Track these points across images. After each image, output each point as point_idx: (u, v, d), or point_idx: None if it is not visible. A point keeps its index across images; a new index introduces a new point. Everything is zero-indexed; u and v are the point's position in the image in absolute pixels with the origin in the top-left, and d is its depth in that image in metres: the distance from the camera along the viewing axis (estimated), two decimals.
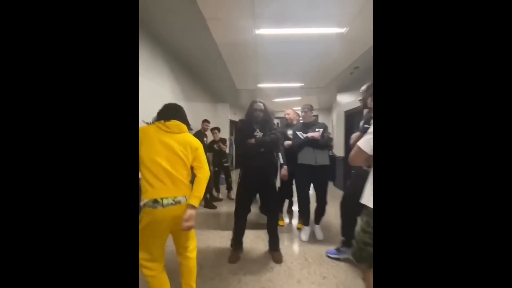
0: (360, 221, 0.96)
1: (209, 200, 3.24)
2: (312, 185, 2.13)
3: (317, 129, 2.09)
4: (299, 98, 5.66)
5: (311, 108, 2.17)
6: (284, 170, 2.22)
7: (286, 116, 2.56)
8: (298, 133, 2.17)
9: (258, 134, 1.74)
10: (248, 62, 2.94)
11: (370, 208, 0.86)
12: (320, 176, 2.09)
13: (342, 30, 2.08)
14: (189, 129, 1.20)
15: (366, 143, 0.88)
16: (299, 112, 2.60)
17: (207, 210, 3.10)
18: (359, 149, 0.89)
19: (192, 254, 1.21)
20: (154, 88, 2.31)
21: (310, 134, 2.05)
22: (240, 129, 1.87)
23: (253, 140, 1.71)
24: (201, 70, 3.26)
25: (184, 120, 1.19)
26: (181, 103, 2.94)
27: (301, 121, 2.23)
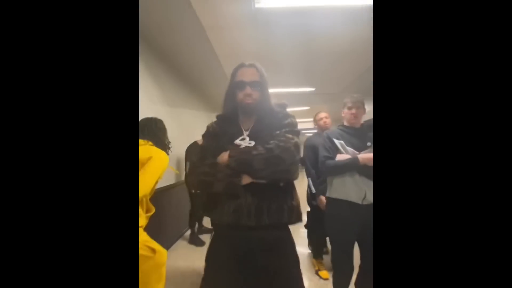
0: None
1: (196, 233, 2.51)
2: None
3: (369, 144, 1.20)
4: (307, 107, 5.05)
5: (361, 104, 1.24)
6: (321, 200, 1.44)
7: (321, 122, 1.76)
8: (337, 142, 1.22)
9: (245, 141, 0.75)
10: (246, 57, 2.33)
11: None
12: (370, 222, 1.13)
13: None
14: (160, 143, 1.11)
15: None
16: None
17: (193, 247, 2.36)
18: None
19: None
20: None
21: (363, 156, 1.12)
22: (209, 135, 0.81)
23: (225, 157, 0.70)
24: (187, 69, 2.67)
25: (143, 133, 1.10)
26: (158, 107, 2.37)
27: (344, 124, 1.29)
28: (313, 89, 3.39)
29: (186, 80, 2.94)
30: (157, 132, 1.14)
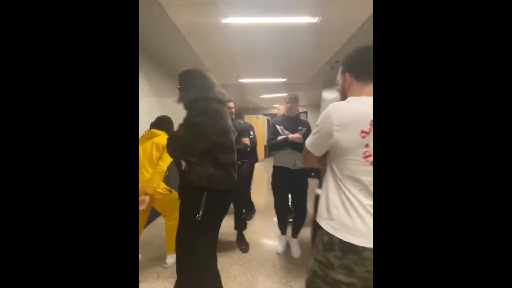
0: (316, 246, 0.73)
1: None
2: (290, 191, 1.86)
3: (300, 128, 1.77)
4: (286, 94, 5.52)
5: (295, 99, 1.84)
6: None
7: (277, 111, 2.40)
8: (278, 127, 1.83)
9: None
10: (222, 55, 2.77)
11: (327, 232, 0.67)
12: (299, 182, 1.80)
13: (315, 19, 1.93)
14: (170, 132, 1.70)
15: (308, 143, 0.74)
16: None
17: None
18: (306, 150, 0.76)
19: (171, 222, 1.69)
20: None
21: (291, 136, 1.74)
22: None
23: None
24: (171, 64, 3.08)
25: (163, 127, 1.71)
26: (149, 98, 2.81)
27: (285, 114, 1.91)
28: (285, 79, 3.88)
29: (171, 74, 3.34)
30: (169, 126, 1.76)
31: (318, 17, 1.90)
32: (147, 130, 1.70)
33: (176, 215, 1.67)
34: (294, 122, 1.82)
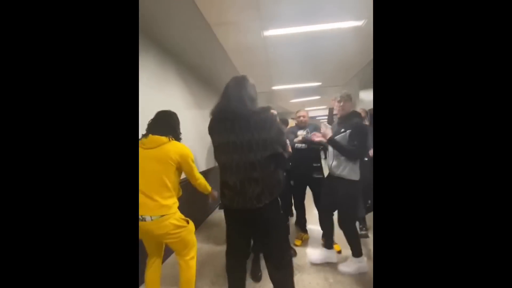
0: None
1: None
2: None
3: (342, 130, 1.60)
4: (318, 97, 5.38)
5: (345, 98, 1.63)
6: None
7: (300, 119, 2.11)
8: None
9: None
10: (259, 66, 2.83)
11: None
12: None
13: (360, 23, 1.86)
14: (178, 138, 1.20)
15: None
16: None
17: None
18: None
19: (189, 262, 1.19)
20: (163, 98, 2.16)
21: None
22: None
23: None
24: (212, 77, 3.24)
25: (168, 128, 1.15)
26: (193, 111, 2.98)
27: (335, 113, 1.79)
28: (320, 83, 3.79)
29: (211, 88, 3.52)
30: (174, 125, 1.18)
31: (363, 20, 1.83)
32: (144, 135, 1.11)
33: (193, 254, 1.19)
34: (340, 122, 1.67)
